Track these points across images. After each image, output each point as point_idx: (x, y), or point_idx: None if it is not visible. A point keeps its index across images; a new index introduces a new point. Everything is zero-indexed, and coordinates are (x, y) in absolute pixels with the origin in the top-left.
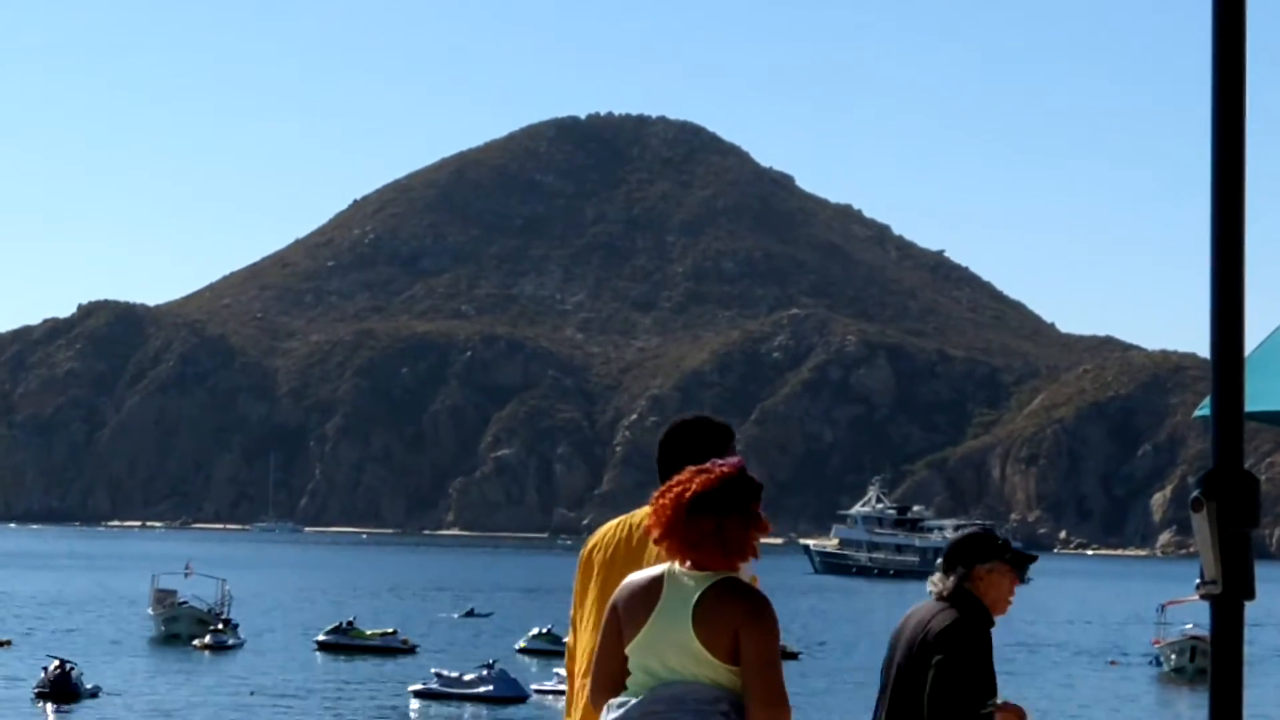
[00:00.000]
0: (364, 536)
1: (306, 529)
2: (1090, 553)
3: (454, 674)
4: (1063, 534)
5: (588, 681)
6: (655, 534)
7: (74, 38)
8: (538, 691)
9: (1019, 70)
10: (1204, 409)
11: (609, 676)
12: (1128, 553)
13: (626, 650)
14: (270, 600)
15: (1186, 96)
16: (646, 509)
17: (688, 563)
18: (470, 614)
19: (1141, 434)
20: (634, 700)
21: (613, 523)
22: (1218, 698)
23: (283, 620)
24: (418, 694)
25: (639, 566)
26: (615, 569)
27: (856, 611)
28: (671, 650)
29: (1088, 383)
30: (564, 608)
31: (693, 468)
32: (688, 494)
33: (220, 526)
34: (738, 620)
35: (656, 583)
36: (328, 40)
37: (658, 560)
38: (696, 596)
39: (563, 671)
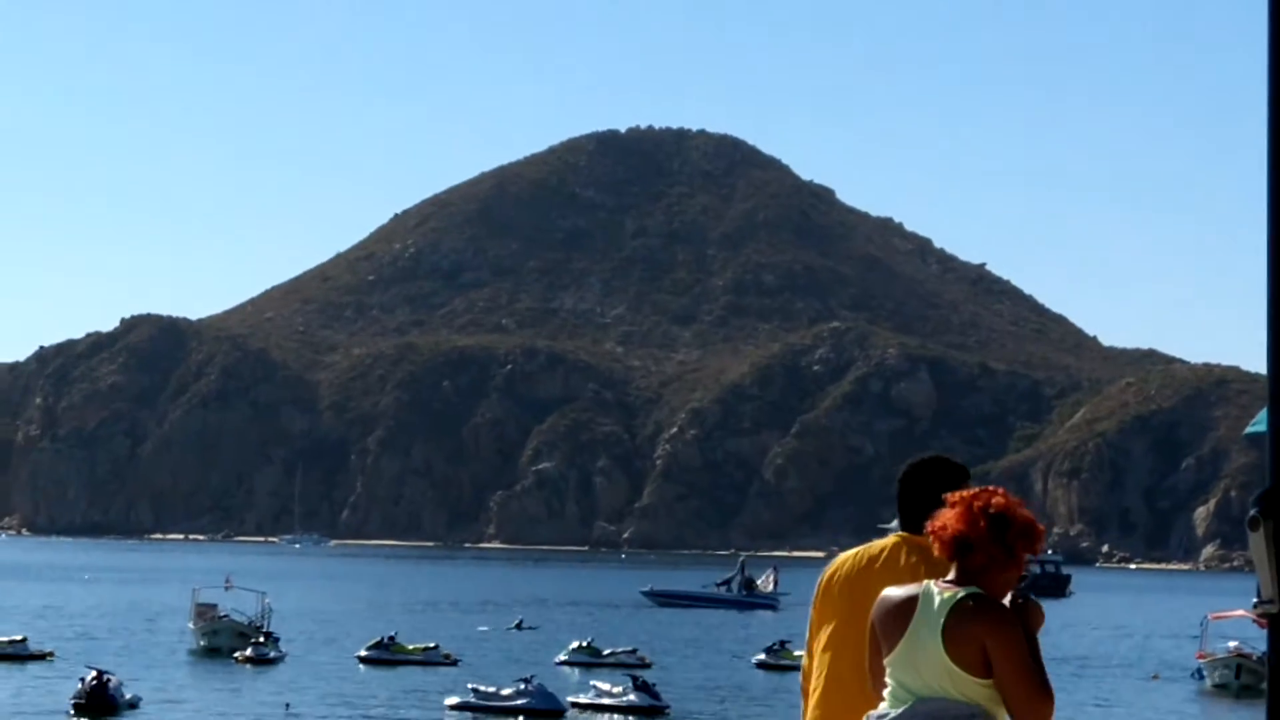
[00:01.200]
0: (389, 550)
1: (333, 543)
2: (1133, 567)
3: (491, 688)
4: (1105, 548)
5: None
6: (940, 539)
7: (116, 53)
8: (574, 705)
9: (1060, 83)
10: (1256, 425)
11: (879, 688)
12: (1170, 567)
13: (885, 663)
14: (312, 614)
15: (1234, 107)
16: (883, 541)
17: (942, 581)
18: (519, 626)
19: (1185, 447)
20: (893, 713)
21: (850, 552)
22: (1275, 718)
23: (324, 634)
24: (454, 708)
25: (876, 594)
26: (856, 596)
27: None
28: (925, 666)
29: (1130, 396)
30: (604, 621)
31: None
32: (986, 515)
33: (261, 540)
34: (982, 635)
35: (910, 600)
36: (369, 55)
37: (902, 581)
38: (945, 614)
39: (600, 685)
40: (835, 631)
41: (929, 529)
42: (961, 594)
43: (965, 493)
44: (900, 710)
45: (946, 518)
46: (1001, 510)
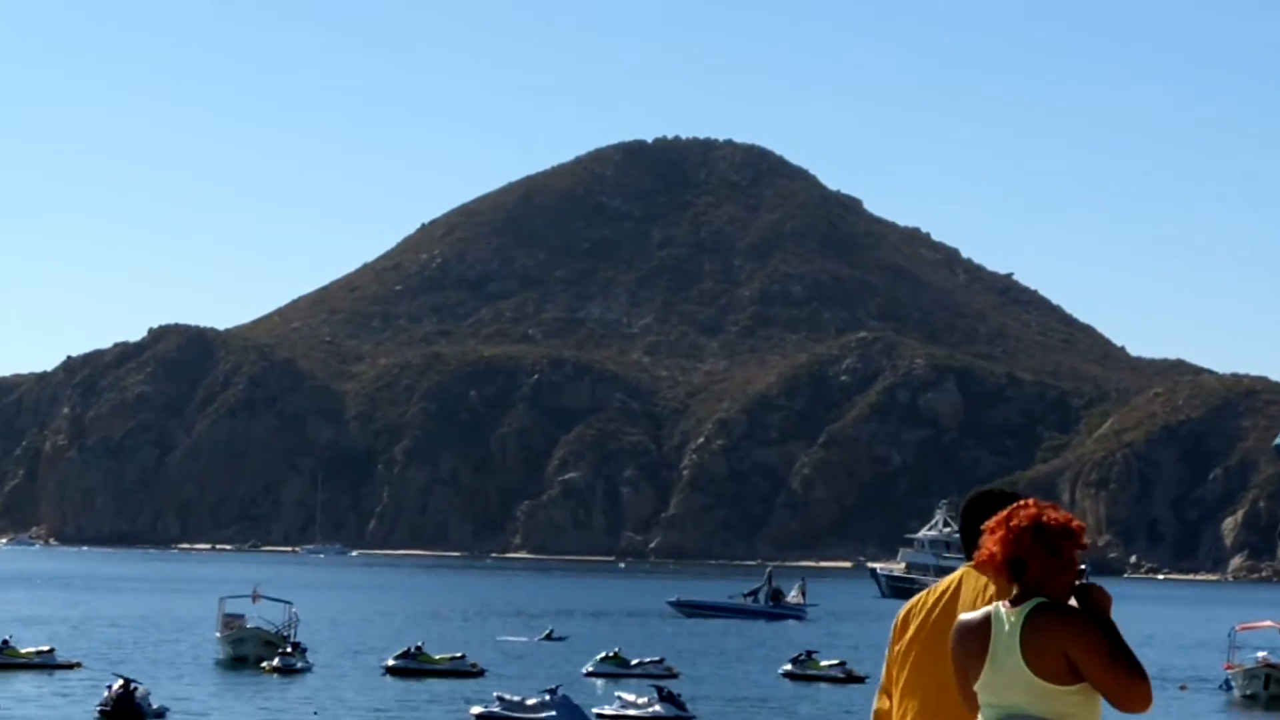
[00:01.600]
0: (415, 560)
1: (355, 552)
2: (1161, 577)
3: (516, 697)
4: (1133, 558)
5: None
6: (992, 566)
7: (142, 63)
8: (600, 716)
9: (1088, 93)
10: None
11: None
12: (1198, 577)
13: (975, 689)
14: (339, 624)
15: (1266, 116)
16: (951, 576)
17: (1008, 599)
18: (549, 637)
19: (1213, 458)
20: None
21: (924, 592)
22: None
23: (351, 644)
24: (479, 718)
25: (950, 628)
26: (929, 634)
27: None
28: (1010, 686)
29: (1158, 406)
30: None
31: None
32: (1030, 528)
33: (284, 550)
34: (1061, 642)
35: (984, 625)
36: (395, 66)
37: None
38: (1019, 632)
39: (625, 695)
40: (911, 671)
41: (978, 561)
42: (1028, 608)
43: (998, 516)
44: None
45: (990, 545)
46: (1036, 520)
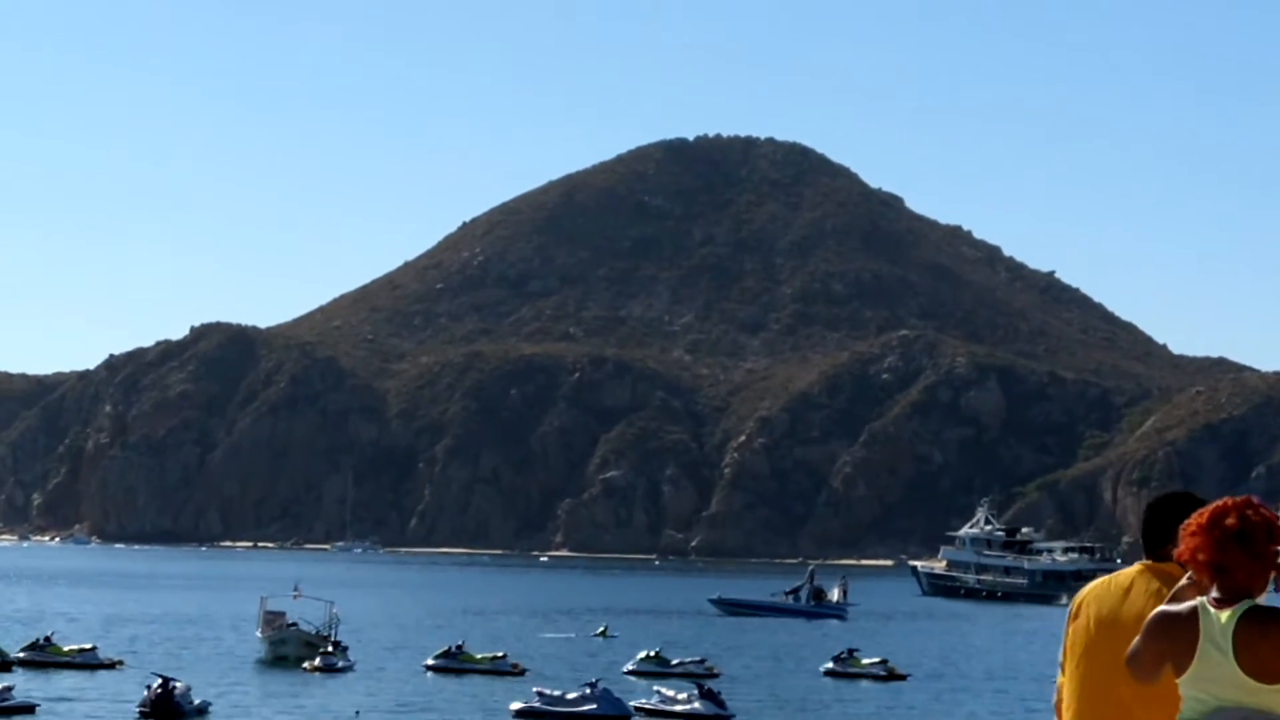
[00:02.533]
0: (456, 558)
1: (384, 550)
2: None
3: (556, 693)
4: None
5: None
6: (1200, 560)
7: (185, 66)
8: (639, 710)
9: (1127, 91)
10: None
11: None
12: None
13: (1177, 682)
14: (380, 622)
15: None
16: (1129, 570)
17: (1212, 598)
18: (604, 634)
19: (1255, 456)
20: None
21: (1099, 580)
22: None
23: (393, 643)
24: (519, 713)
25: (1127, 618)
26: (1103, 622)
27: (962, 634)
28: (1221, 682)
29: (1200, 404)
30: (675, 629)
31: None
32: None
33: (313, 547)
34: (1275, 645)
35: (1190, 621)
36: (438, 66)
37: (1142, 611)
38: (1230, 634)
39: (665, 691)
40: (1084, 656)
41: (1179, 558)
42: (1240, 611)
43: (1199, 520)
44: (1205, 716)
45: (1193, 546)
46: (1240, 527)
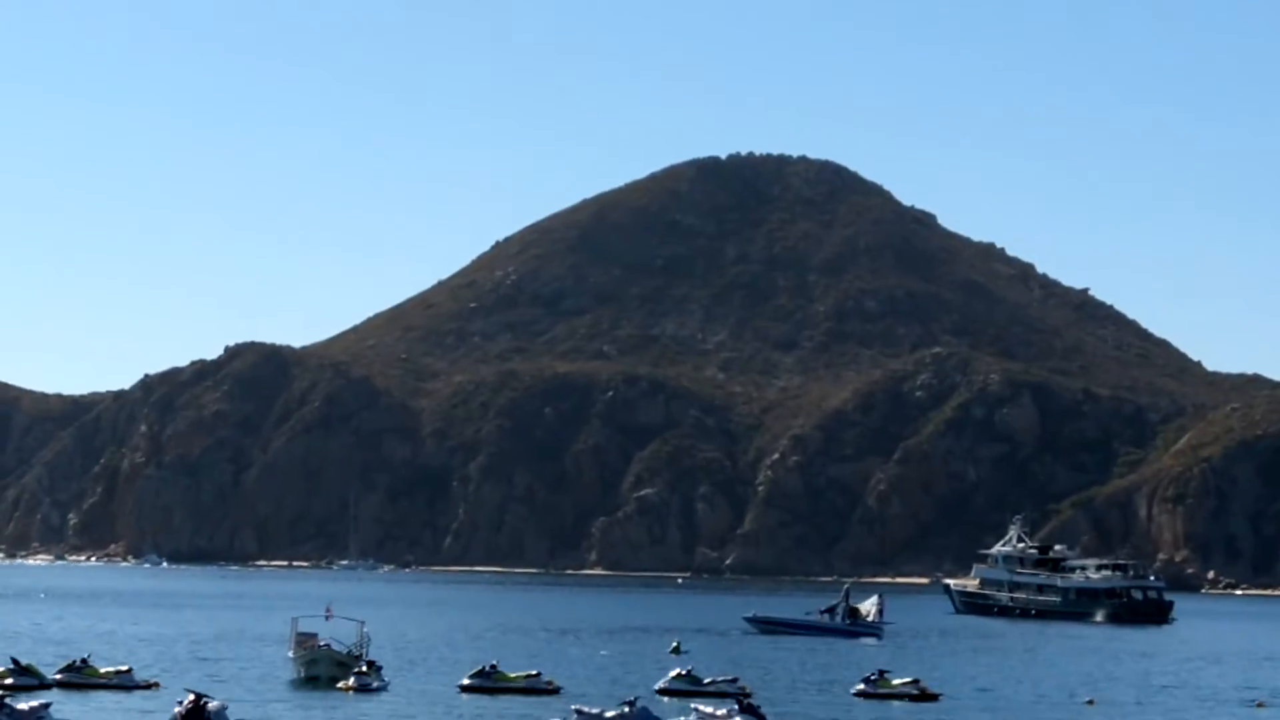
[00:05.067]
0: (490, 576)
1: (391, 568)
2: (1239, 593)
3: (595, 710)
4: (1211, 574)
5: None
6: None
7: (223, 89)
8: None
9: (1162, 108)
10: None
11: None
12: (1278, 593)
13: None
14: (413, 642)
15: None
16: None
17: None
18: (676, 650)
19: None
20: None
21: None
22: None
23: (426, 662)
24: None
25: None
26: None
27: (994, 653)
28: None
29: (1235, 421)
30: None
31: None
32: None
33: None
34: None
35: None
36: (470, 85)
37: None
38: None
39: (702, 708)
40: None
41: None
42: None
43: None
44: None
45: None
46: None
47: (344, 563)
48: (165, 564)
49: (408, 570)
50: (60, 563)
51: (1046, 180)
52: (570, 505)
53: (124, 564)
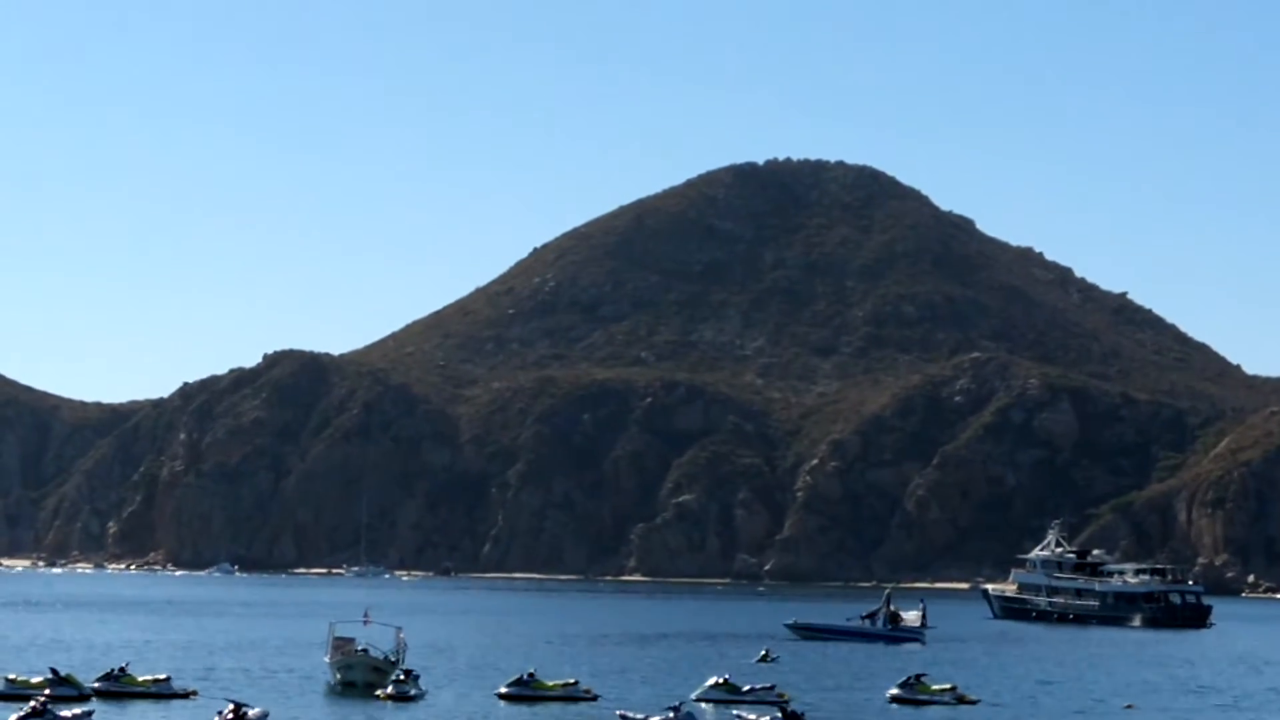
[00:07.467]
0: (526, 583)
1: (390, 574)
2: (1279, 597)
3: (639, 716)
4: (1251, 578)
5: None
6: None
7: (259, 101)
8: None
9: (1200, 111)
10: None
11: None
12: None
13: None
14: (452, 649)
15: None
16: None
17: None
18: (765, 658)
19: None
20: None
21: None
22: None
23: (464, 670)
24: None
25: None
26: None
27: (1032, 658)
28: None
29: (1275, 424)
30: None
31: None
32: None
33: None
34: None
35: None
36: (507, 92)
37: None
38: None
39: (743, 714)
40: None
41: None
42: None
43: None
44: None
45: None
46: None
47: (356, 569)
48: (237, 570)
49: (447, 577)
50: (102, 571)
51: (1085, 184)
52: (609, 512)
53: (176, 573)
